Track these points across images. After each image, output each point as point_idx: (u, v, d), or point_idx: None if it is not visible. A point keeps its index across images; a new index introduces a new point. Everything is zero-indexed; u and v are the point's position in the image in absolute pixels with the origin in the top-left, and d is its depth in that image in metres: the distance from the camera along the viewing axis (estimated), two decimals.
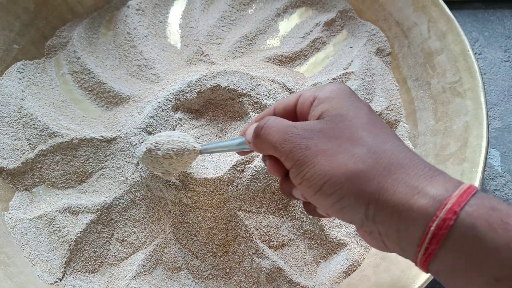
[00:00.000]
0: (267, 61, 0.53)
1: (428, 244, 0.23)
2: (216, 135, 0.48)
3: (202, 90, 0.47)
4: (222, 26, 0.56)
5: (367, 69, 0.52)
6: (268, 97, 0.47)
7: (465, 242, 0.22)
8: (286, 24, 0.57)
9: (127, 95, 0.51)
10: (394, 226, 0.25)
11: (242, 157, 0.43)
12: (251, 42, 0.55)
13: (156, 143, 0.37)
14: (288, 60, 0.54)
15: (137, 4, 0.56)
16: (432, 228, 0.23)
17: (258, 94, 0.47)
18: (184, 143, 0.37)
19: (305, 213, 0.44)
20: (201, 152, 0.38)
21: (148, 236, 0.44)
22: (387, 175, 0.25)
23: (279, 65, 0.53)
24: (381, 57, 0.54)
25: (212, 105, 0.49)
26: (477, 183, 0.40)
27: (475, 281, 0.22)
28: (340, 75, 0.51)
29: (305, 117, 0.31)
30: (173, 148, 0.37)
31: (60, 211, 0.45)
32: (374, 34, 0.55)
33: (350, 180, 0.25)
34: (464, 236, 0.22)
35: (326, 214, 0.31)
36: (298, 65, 0.54)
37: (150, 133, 0.45)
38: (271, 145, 0.29)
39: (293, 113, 0.32)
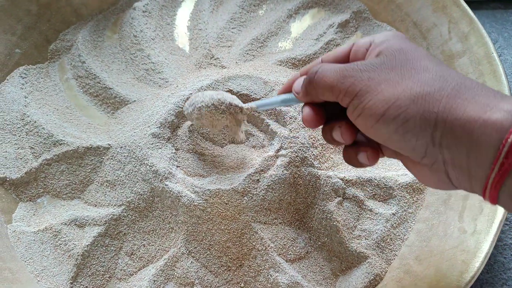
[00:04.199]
0: (280, 65, 0.51)
1: (504, 159, 0.22)
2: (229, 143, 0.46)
3: None
4: (232, 28, 0.54)
5: None
6: None
7: None
8: (298, 26, 0.55)
9: (134, 100, 0.49)
10: (464, 149, 0.24)
11: (257, 166, 0.41)
12: (262, 44, 0.53)
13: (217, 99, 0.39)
14: (302, 63, 0.52)
15: (143, 6, 0.54)
16: (509, 140, 0.22)
17: None
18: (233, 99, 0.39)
19: (323, 224, 0.42)
20: (247, 109, 0.39)
21: (158, 249, 0.42)
22: (456, 95, 0.25)
23: (292, 68, 0.51)
24: None
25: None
26: None
27: None
28: None
29: (359, 54, 0.31)
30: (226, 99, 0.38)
31: (65, 224, 0.42)
32: None
33: (416, 101, 0.25)
34: None
35: (368, 161, 0.31)
36: None
37: (160, 140, 0.43)
38: (327, 86, 0.29)
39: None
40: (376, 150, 0.31)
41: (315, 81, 0.29)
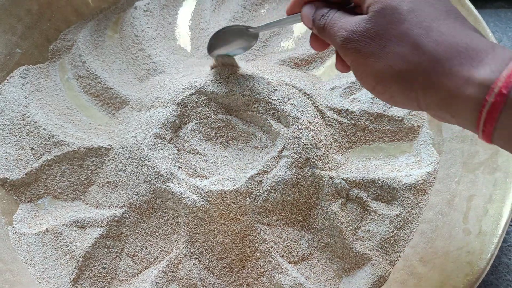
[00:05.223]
0: (282, 64, 0.51)
1: (483, 127, 0.25)
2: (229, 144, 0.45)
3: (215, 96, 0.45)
4: None
5: None
6: (285, 102, 0.44)
7: None
8: (301, 25, 0.53)
9: (136, 100, 0.48)
10: (449, 114, 0.27)
11: (260, 167, 0.41)
12: (264, 44, 0.53)
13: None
14: (304, 63, 0.51)
15: (144, 5, 0.54)
16: (483, 113, 0.24)
17: (274, 100, 0.44)
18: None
19: (326, 225, 0.42)
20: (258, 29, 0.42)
21: (160, 251, 0.42)
22: (432, 70, 0.26)
23: (295, 68, 0.51)
24: None
25: (226, 111, 0.46)
26: (511, 195, 0.38)
27: None
28: None
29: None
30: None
31: (67, 225, 0.42)
32: None
33: (397, 80, 0.27)
34: None
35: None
36: (314, 68, 0.52)
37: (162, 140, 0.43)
38: (332, 42, 0.32)
39: None
40: None
41: (324, 33, 0.33)
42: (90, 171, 0.45)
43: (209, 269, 0.41)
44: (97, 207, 0.44)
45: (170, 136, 0.44)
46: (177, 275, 0.40)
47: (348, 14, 0.31)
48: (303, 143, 0.42)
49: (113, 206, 0.43)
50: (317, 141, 0.43)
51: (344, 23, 0.30)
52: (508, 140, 0.25)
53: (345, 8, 0.33)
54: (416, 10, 0.27)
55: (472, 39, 0.26)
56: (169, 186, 0.40)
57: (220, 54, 0.45)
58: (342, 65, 0.34)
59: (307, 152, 0.42)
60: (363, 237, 0.42)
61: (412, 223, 0.43)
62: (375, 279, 0.40)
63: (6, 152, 0.45)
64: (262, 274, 0.41)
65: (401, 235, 0.42)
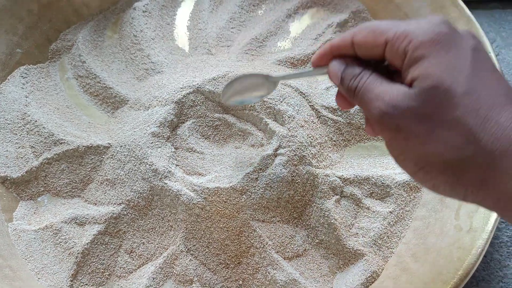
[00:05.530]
0: (279, 64, 0.51)
1: None
2: (226, 142, 0.46)
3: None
4: (232, 28, 0.54)
5: None
6: (281, 101, 0.45)
7: None
8: (297, 26, 0.55)
9: (134, 99, 0.49)
10: (500, 211, 0.24)
11: (256, 165, 0.42)
12: (261, 44, 0.54)
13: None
14: (300, 62, 0.52)
15: (143, 6, 0.54)
16: None
17: (271, 99, 0.45)
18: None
19: (321, 222, 0.42)
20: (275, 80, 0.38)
21: (158, 247, 0.42)
22: (487, 168, 0.23)
23: (291, 67, 0.52)
24: None
25: (223, 110, 0.47)
26: None
27: None
28: None
29: (395, 62, 0.27)
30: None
31: (66, 222, 0.43)
32: None
33: (444, 171, 0.24)
34: None
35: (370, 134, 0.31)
36: (310, 67, 0.52)
37: (159, 138, 0.43)
38: (365, 111, 0.28)
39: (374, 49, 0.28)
40: None
41: (355, 98, 0.28)
42: (89, 169, 0.46)
43: (205, 265, 0.41)
44: (95, 204, 0.45)
45: (168, 134, 0.44)
46: (174, 271, 0.41)
47: (385, 80, 0.27)
48: (298, 141, 0.43)
49: (112, 203, 0.44)
50: (312, 139, 0.44)
51: (382, 92, 0.26)
52: None
53: (379, 69, 0.28)
54: (471, 93, 0.24)
55: None
56: (166, 184, 0.41)
57: (234, 102, 0.41)
58: (374, 130, 0.30)
59: (302, 150, 0.43)
60: (357, 233, 0.43)
61: (405, 220, 0.43)
62: (368, 274, 0.41)
63: (7, 150, 0.46)
64: (257, 270, 0.41)
65: (394, 232, 0.43)
